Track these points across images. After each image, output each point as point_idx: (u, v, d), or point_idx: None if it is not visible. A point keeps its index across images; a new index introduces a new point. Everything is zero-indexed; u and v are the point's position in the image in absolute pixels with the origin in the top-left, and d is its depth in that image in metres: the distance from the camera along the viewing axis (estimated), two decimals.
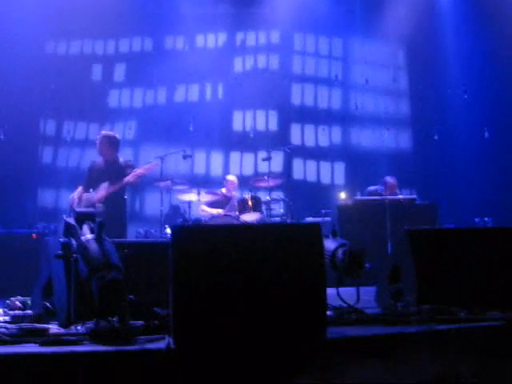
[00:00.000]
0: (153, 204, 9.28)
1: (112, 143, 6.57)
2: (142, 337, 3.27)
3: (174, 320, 3.18)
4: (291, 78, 11.34)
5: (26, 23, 9.34)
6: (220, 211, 8.33)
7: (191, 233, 3.43)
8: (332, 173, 11.07)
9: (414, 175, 10.34)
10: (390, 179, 8.63)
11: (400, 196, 8.29)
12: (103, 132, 6.81)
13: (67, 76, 10.06)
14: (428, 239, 4.55)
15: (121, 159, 6.67)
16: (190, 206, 8.01)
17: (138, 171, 6.41)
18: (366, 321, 3.94)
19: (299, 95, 11.36)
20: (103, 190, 6.31)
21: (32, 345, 3.19)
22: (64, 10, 9.53)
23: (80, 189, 6.46)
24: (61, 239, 3.87)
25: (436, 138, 10.90)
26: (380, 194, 8.39)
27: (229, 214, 7.97)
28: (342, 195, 8.73)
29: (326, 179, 11.04)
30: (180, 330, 3.16)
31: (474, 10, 10.73)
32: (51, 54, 10.58)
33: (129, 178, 6.35)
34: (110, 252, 3.57)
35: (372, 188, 8.68)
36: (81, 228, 3.80)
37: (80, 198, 6.33)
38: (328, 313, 3.78)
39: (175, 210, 8.46)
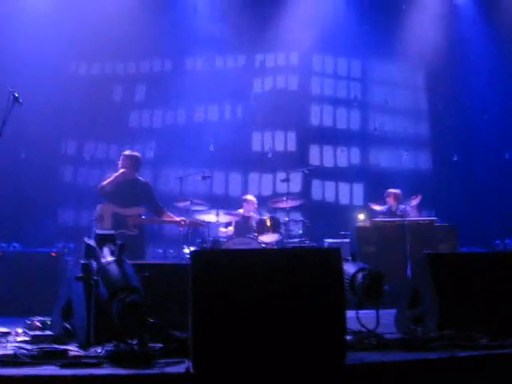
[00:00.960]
0: (172, 224, 9.30)
1: (135, 163, 6.71)
2: (161, 360, 3.28)
3: (193, 344, 3.18)
4: (310, 98, 11.38)
5: (48, 44, 9.53)
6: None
7: (210, 256, 3.45)
8: (351, 194, 11.04)
9: (433, 196, 10.27)
10: (394, 190, 8.68)
11: (417, 217, 8.25)
12: (127, 152, 6.91)
13: (88, 96, 10.20)
14: (448, 263, 4.51)
15: (140, 179, 6.79)
16: (208, 227, 8.02)
17: (188, 221, 6.86)
18: (386, 346, 3.90)
19: (318, 116, 11.38)
20: (138, 213, 6.46)
21: (52, 367, 3.21)
22: (86, 31, 9.69)
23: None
24: (81, 261, 3.90)
25: (455, 158, 10.86)
26: (390, 213, 8.42)
27: (248, 236, 7.96)
28: (361, 216, 8.70)
29: (344, 200, 11.01)
30: (199, 354, 3.16)
31: (494, 30, 10.74)
32: (73, 74, 10.73)
33: (178, 220, 6.78)
34: (130, 275, 3.59)
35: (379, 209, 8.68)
36: (101, 250, 3.83)
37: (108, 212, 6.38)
38: (348, 337, 3.75)
39: (194, 230, 8.47)
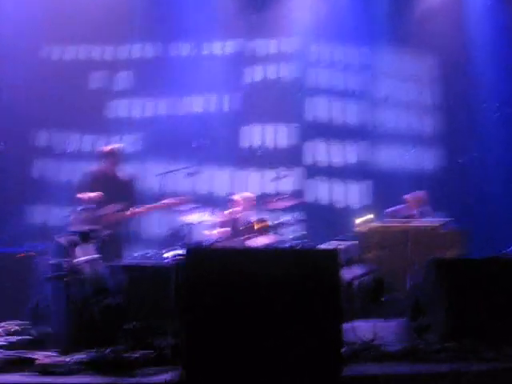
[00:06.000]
0: (151, 225, 9.25)
1: (116, 157, 6.75)
2: (141, 369, 3.30)
3: (186, 352, 3.19)
4: (305, 90, 11.30)
5: (20, 27, 9.49)
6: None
7: (205, 254, 3.46)
8: (355, 194, 10.93)
9: (442, 197, 10.24)
10: (418, 193, 8.73)
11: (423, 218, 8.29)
12: (108, 146, 6.98)
13: (63, 83, 10.14)
14: (456, 270, 4.50)
15: (122, 173, 6.82)
16: (194, 228, 7.97)
17: (172, 202, 6.99)
18: (385, 358, 3.94)
19: (313, 109, 11.28)
20: (114, 210, 6.42)
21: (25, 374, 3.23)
22: (61, 13, 9.67)
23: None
24: (52, 261, 3.91)
25: (460, 161, 10.83)
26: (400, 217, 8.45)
27: (240, 238, 7.91)
28: (363, 219, 8.64)
29: (344, 201, 10.92)
30: (192, 362, 3.17)
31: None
32: (46, 59, 10.67)
33: (162, 204, 6.89)
34: (105, 276, 3.61)
35: (390, 210, 8.72)
36: (74, 249, 3.84)
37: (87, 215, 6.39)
38: (343, 349, 3.78)
39: (177, 231, 8.41)
